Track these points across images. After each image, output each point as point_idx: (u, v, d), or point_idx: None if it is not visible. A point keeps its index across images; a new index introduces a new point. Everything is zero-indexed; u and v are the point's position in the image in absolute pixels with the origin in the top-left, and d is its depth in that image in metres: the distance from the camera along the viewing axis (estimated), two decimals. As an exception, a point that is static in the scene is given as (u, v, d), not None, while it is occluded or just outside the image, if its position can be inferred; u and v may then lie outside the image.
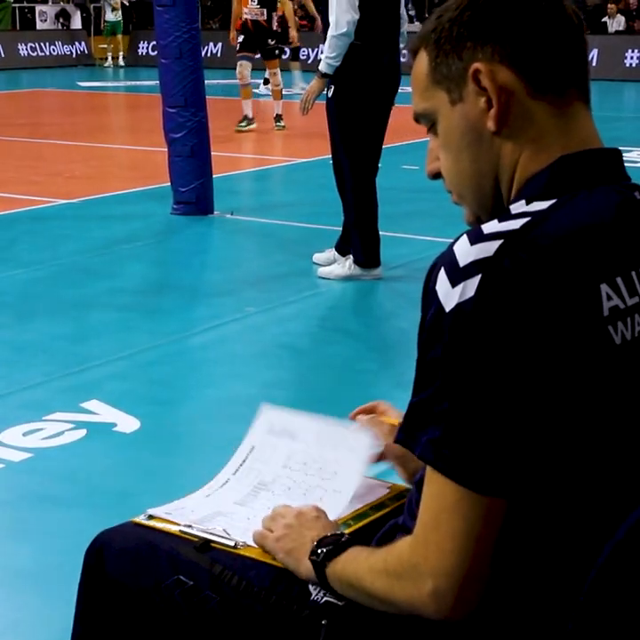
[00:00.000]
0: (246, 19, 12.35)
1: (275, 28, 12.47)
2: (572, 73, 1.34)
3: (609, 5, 22.20)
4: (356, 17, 5.44)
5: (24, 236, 7.12)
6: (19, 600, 2.75)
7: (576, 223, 1.26)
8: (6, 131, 12.47)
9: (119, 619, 1.64)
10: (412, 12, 25.25)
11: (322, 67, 5.60)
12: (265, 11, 12.29)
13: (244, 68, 12.24)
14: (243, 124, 12.28)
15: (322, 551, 1.45)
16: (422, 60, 1.38)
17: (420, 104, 1.39)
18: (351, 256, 5.91)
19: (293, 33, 12.90)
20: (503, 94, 1.31)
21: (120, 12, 24.61)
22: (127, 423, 3.84)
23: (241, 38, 12.38)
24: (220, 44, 23.06)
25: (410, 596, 1.30)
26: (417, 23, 24.41)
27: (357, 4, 5.45)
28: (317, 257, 6.23)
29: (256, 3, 12.28)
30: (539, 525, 1.27)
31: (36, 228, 7.35)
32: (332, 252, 6.16)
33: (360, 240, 5.83)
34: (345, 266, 5.90)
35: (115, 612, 1.64)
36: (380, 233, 5.89)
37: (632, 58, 20.60)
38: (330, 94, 5.66)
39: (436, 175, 1.42)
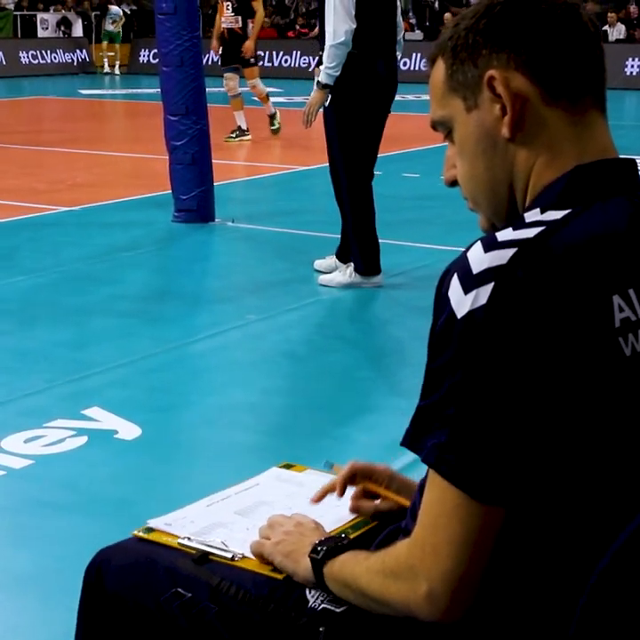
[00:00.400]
0: (224, 28, 12.07)
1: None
2: (588, 81, 1.34)
3: (609, 14, 22.23)
4: (354, 26, 5.44)
5: (26, 243, 7.12)
6: (18, 604, 2.75)
7: (590, 233, 1.26)
8: (7, 138, 12.48)
9: (119, 635, 1.64)
10: (413, 20, 25.31)
11: (322, 77, 5.60)
12: (239, 18, 11.97)
13: (230, 79, 12.02)
14: (233, 135, 12.13)
15: (322, 549, 1.46)
16: (439, 68, 1.38)
17: (437, 111, 1.40)
18: (352, 263, 5.92)
19: (248, 43, 11.86)
20: (517, 101, 1.31)
21: (120, 24, 24.73)
22: (128, 430, 3.84)
23: (221, 50, 12.12)
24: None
25: (405, 597, 1.31)
26: (418, 31, 24.46)
27: (354, 13, 5.46)
28: (318, 264, 6.24)
29: (231, 11, 12.00)
30: (539, 532, 1.28)
31: (37, 235, 7.36)
32: (332, 259, 6.16)
33: (359, 248, 5.83)
34: (346, 273, 5.91)
35: (115, 629, 1.64)
36: (381, 241, 5.89)
37: (633, 66, 20.65)
38: (326, 103, 5.67)
39: (453, 183, 1.42)
